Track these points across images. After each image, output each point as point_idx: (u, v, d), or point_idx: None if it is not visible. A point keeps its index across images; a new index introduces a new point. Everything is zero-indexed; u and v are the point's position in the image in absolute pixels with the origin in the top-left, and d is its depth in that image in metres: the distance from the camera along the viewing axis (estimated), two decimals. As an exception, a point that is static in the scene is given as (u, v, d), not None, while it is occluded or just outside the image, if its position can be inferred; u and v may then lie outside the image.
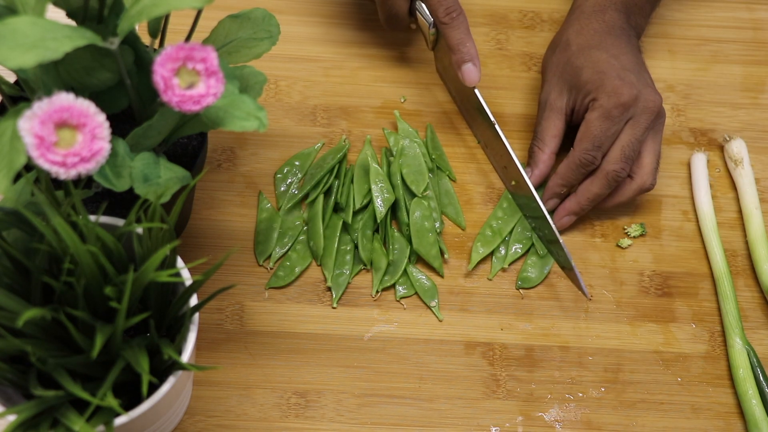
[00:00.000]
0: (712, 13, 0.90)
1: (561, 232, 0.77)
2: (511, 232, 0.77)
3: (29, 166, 0.56)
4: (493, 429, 0.70)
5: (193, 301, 0.58)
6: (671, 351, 0.74)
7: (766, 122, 0.85)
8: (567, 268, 0.75)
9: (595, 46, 0.76)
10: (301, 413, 0.69)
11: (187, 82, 0.52)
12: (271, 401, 0.69)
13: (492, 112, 0.76)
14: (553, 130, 0.77)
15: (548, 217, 0.74)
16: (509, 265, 0.76)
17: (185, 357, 0.57)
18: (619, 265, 0.77)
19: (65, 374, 0.53)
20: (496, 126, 0.76)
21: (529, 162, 0.78)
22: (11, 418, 0.53)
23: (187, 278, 0.59)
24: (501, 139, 0.76)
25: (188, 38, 0.63)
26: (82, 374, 0.55)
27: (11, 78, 0.68)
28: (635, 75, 0.74)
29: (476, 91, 0.77)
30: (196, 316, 0.58)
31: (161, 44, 0.64)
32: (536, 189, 0.76)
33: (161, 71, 0.51)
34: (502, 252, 0.76)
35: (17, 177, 0.58)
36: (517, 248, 0.76)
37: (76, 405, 0.54)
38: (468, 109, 0.81)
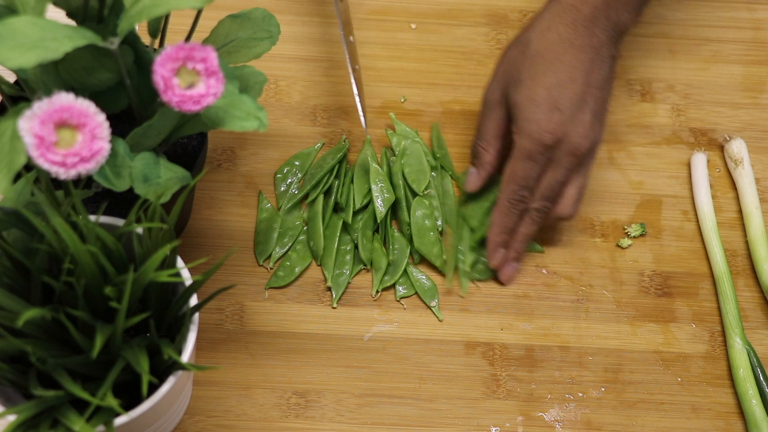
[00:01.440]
0: (712, 13, 0.90)
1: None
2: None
3: (29, 166, 0.56)
4: (493, 429, 0.70)
5: (193, 301, 0.58)
6: (671, 351, 0.74)
7: (766, 122, 0.85)
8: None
9: (549, 61, 0.72)
10: (301, 413, 0.69)
11: (187, 82, 0.52)
12: (271, 401, 0.69)
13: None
14: (496, 129, 0.75)
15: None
16: (470, 267, 0.76)
17: (185, 357, 0.57)
18: (619, 265, 0.77)
19: (65, 374, 0.53)
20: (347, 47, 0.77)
21: (473, 162, 0.77)
22: (11, 418, 0.53)
23: (187, 278, 0.59)
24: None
25: (188, 38, 0.64)
26: (82, 374, 0.55)
27: (11, 78, 0.68)
28: (571, 114, 0.71)
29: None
30: (196, 316, 0.58)
31: (161, 44, 0.64)
32: (480, 190, 0.77)
33: (161, 71, 0.51)
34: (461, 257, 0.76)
35: (17, 177, 0.58)
36: (471, 251, 0.76)
37: (76, 405, 0.54)
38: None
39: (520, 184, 0.73)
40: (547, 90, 0.71)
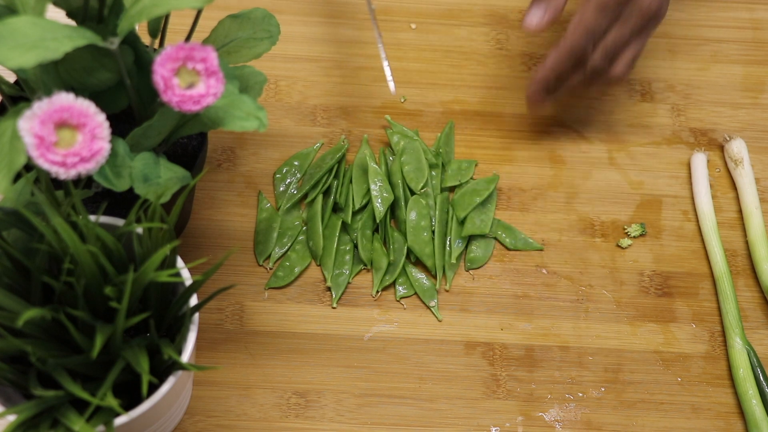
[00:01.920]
0: (712, 13, 0.90)
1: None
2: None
3: (29, 166, 0.56)
4: (493, 429, 0.70)
5: (193, 301, 0.58)
6: (671, 351, 0.74)
7: (766, 122, 0.85)
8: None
9: None
10: (301, 413, 0.69)
11: (187, 82, 0.52)
12: (271, 401, 0.69)
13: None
14: None
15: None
16: (456, 259, 0.75)
17: (185, 357, 0.57)
18: (619, 265, 0.77)
19: (65, 374, 0.53)
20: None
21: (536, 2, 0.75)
22: (11, 418, 0.53)
23: (187, 278, 0.59)
24: None
25: (188, 38, 0.64)
26: (82, 374, 0.55)
27: (11, 78, 0.68)
28: None
29: None
30: (196, 316, 0.58)
31: (161, 44, 0.64)
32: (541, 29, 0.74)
33: (161, 71, 0.51)
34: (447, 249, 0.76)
35: (17, 177, 0.58)
36: (458, 243, 0.76)
37: (76, 405, 0.54)
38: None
39: (587, 34, 0.72)
40: None
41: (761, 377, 0.71)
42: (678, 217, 0.80)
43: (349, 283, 0.74)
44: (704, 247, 0.78)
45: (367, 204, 0.76)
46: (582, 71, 0.74)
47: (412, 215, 0.75)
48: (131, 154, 0.58)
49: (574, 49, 0.72)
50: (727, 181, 0.82)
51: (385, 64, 0.78)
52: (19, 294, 0.55)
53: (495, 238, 0.77)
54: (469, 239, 0.76)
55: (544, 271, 0.76)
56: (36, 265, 0.54)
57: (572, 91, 0.76)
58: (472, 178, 0.79)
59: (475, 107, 0.83)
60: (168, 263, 0.57)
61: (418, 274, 0.74)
